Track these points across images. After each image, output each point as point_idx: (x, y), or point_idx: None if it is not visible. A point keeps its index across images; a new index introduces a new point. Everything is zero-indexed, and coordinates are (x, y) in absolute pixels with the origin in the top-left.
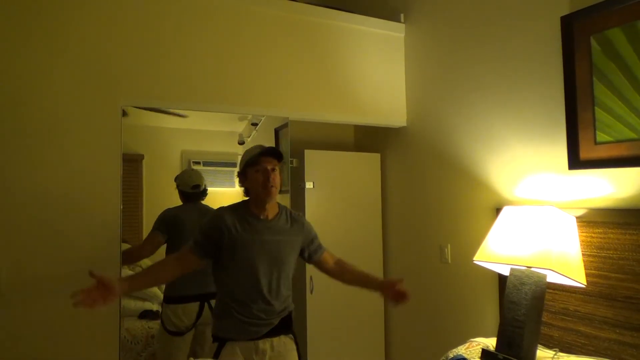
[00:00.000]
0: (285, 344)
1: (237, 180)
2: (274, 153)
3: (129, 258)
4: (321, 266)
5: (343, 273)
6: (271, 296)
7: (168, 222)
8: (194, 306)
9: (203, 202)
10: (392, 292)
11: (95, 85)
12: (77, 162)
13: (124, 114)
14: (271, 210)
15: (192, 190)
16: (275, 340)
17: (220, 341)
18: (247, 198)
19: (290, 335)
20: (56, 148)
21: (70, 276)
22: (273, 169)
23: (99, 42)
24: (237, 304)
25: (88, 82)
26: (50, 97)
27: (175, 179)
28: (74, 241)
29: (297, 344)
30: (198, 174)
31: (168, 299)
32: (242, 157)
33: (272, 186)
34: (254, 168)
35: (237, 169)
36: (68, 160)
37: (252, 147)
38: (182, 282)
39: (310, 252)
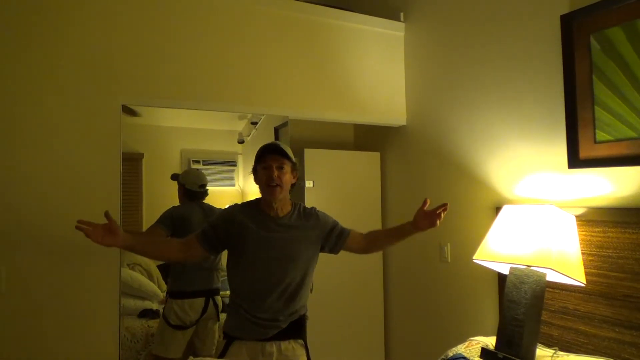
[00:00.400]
0: (294, 349)
1: (237, 179)
2: (276, 150)
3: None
4: (354, 249)
5: (377, 244)
6: (280, 296)
7: (175, 220)
8: (200, 301)
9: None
10: (425, 220)
11: (95, 84)
12: (77, 161)
13: (134, 113)
14: (282, 208)
15: (199, 189)
16: (284, 344)
17: (229, 339)
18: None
19: (301, 341)
20: (56, 147)
21: (70, 274)
22: (280, 167)
23: (99, 39)
24: (245, 302)
25: (88, 80)
26: (50, 95)
27: (178, 177)
28: (73, 240)
29: (307, 350)
30: (203, 174)
31: (174, 294)
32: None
33: (275, 185)
34: (261, 165)
35: (235, 168)
36: (68, 159)
37: (264, 144)
38: (189, 278)
39: (334, 242)
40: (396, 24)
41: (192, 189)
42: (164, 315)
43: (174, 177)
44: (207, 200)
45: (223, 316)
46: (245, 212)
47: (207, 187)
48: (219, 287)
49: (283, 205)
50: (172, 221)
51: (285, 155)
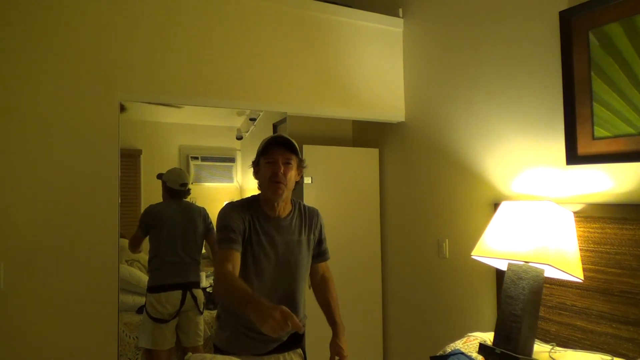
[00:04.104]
0: None
1: (235, 175)
2: (284, 143)
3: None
4: (311, 274)
5: (318, 293)
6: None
7: (148, 222)
8: (177, 294)
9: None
10: (332, 353)
11: (93, 80)
12: (76, 158)
13: (122, 109)
14: (284, 208)
15: (180, 187)
16: (282, 356)
17: (221, 354)
18: (259, 192)
19: (299, 351)
20: (54, 144)
21: (69, 270)
22: (287, 163)
23: (97, 35)
24: (243, 315)
25: (86, 76)
26: (48, 91)
27: (161, 176)
28: (72, 236)
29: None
30: (186, 173)
31: (151, 289)
32: (259, 146)
33: (280, 182)
34: (265, 158)
35: (234, 164)
36: (66, 155)
37: (270, 136)
38: (165, 271)
39: (312, 255)
40: (395, 20)
41: (173, 187)
42: (146, 309)
43: (159, 176)
44: (207, 196)
45: (207, 313)
46: (243, 212)
47: (207, 184)
48: (197, 280)
49: (285, 204)
50: (146, 224)
51: (293, 149)
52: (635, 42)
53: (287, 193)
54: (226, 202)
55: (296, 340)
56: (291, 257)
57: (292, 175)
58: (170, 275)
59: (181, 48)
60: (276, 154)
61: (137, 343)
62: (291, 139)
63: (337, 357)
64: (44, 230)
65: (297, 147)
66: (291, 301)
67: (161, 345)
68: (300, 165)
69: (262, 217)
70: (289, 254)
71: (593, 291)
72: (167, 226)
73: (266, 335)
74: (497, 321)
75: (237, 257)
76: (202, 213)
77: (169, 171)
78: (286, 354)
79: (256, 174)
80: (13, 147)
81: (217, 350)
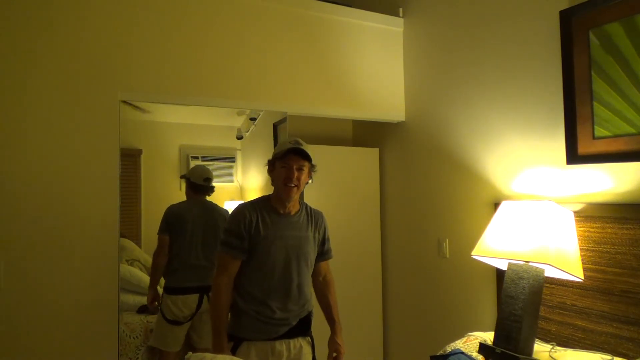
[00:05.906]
0: (302, 347)
1: (236, 175)
2: (301, 154)
3: (158, 271)
4: (314, 275)
5: (319, 293)
6: (291, 294)
7: (170, 223)
8: (194, 298)
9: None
10: (331, 349)
11: (94, 79)
12: (76, 157)
13: (142, 109)
14: (293, 207)
15: (203, 182)
16: (292, 342)
17: (236, 340)
18: (268, 193)
19: (308, 338)
20: (54, 142)
21: (70, 270)
22: (300, 169)
23: (98, 33)
24: (255, 302)
25: (86, 75)
26: (48, 91)
27: (184, 175)
28: (72, 236)
29: (313, 346)
30: (209, 170)
31: (169, 290)
32: (276, 147)
33: (293, 186)
34: (281, 163)
35: (234, 164)
36: (66, 155)
37: (287, 140)
38: (183, 274)
39: (317, 253)
40: (395, 20)
41: (196, 182)
42: (161, 310)
43: (183, 175)
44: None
45: None
46: (254, 210)
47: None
48: None
49: (294, 203)
50: (167, 225)
51: (307, 158)
52: (635, 42)
53: (298, 194)
54: (239, 203)
55: (305, 327)
56: (300, 250)
57: (304, 178)
58: (189, 278)
59: (181, 48)
60: (291, 160)
61: (138, 343)
62: (306, 150)
63: (335, 354)
64: (44, 230)
65: (311, 156)
66: (300, 291)
67: (172, 347)
68: (312, 170)
69: (273, 213)
70: (299, 247)
71: (593, 291)
72: (189, 227)
73: (276, 319)
74: (497, 321)
75: (234, 263)
76: (225, 216)
77: (193, 168)
78: (295, 340)
79: (271, 172)
80: (13, 147)
81: (232, 337)
